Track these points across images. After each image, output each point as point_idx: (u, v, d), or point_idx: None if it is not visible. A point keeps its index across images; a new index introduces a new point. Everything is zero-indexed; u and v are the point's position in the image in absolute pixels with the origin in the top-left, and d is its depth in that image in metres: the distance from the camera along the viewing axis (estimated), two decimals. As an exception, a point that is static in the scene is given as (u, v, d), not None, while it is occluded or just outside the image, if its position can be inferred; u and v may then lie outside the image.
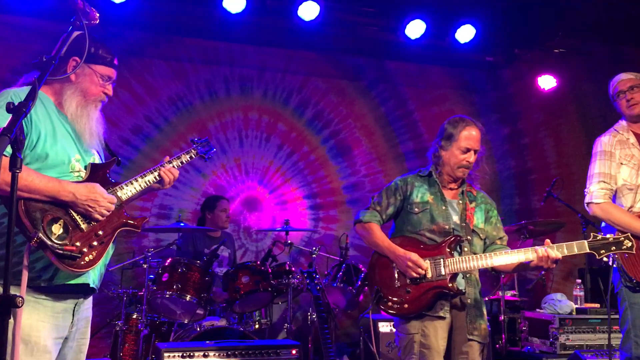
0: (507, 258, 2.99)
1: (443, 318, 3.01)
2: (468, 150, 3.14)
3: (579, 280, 5.34)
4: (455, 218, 3.15)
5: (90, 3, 2.18)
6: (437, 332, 2.98)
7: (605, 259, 2.95)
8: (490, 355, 4.91)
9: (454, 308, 3.04)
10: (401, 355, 3.06)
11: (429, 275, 2.98)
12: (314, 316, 4.60)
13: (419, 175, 3.27)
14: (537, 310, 5.16)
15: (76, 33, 2.30)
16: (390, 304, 3.04)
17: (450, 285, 2.98)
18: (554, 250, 2.91)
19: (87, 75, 2.38)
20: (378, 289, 3.08)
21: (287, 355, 3.91)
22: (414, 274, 2.98)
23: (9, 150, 1.80)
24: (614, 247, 2.92)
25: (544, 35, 6.58)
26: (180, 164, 2.69)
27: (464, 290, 3.06)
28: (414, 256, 2.99)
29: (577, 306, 4.99)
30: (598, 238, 2.93)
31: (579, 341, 4.76)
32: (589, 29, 6.26)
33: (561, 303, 4.97)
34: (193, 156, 2.79)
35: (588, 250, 2.92)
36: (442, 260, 3.00)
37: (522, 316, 5.23)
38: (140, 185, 2.49)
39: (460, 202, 3.21)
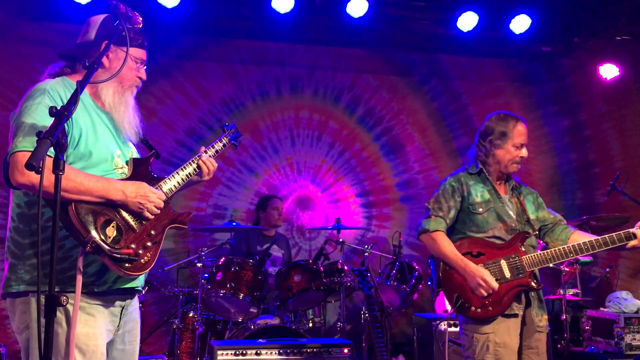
0: (593, 246, 2.99)
1: (516, 315, 3.00)
2: (522, 145, 3.17)
3: (646, 278, 5.10)
4: (512, 214, 3.14)
5: (142, 9, 2.21)
6: (510, 330, 2.97)
7: None
8: (551, 354, 4.76)
9: (523, 304, 3.04)
10: (472, 355, 3.00)
11: (508, 275, 2.98)
12: (366, 315, 4.56)
13: (468, 173, 3.22)
14: (601, 309, 4.97)
15: (102, 17, 2.24)
16: (473, 308, 2.98)
17: (531, 282, 2.99)
18: None
19: (121, 60, 2.22)
20: (458, 296, 3.01)
21: (339, 353, 3.90)
22: (484, 293, 2.94)
23: (51, 151, 1.79)
24: None
25: (605, 23, 6.30)
26: (215, 153, 2.59)
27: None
28: (486, 274, 2.95)
29: (644, 305, 4.77)
30: None
31: (647, 341, 4.55)
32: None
33: (627, 301, 4.77)
34: (226, 143, 2.70)
35: None
36: (517, 258, 3.00)
37: (585, 315, 5.05)
38: (182, 178, 2.37)
39: (513, 197, 3.22)
